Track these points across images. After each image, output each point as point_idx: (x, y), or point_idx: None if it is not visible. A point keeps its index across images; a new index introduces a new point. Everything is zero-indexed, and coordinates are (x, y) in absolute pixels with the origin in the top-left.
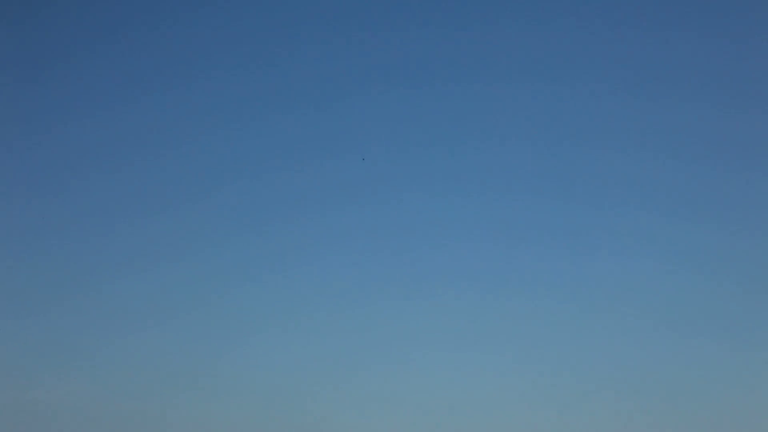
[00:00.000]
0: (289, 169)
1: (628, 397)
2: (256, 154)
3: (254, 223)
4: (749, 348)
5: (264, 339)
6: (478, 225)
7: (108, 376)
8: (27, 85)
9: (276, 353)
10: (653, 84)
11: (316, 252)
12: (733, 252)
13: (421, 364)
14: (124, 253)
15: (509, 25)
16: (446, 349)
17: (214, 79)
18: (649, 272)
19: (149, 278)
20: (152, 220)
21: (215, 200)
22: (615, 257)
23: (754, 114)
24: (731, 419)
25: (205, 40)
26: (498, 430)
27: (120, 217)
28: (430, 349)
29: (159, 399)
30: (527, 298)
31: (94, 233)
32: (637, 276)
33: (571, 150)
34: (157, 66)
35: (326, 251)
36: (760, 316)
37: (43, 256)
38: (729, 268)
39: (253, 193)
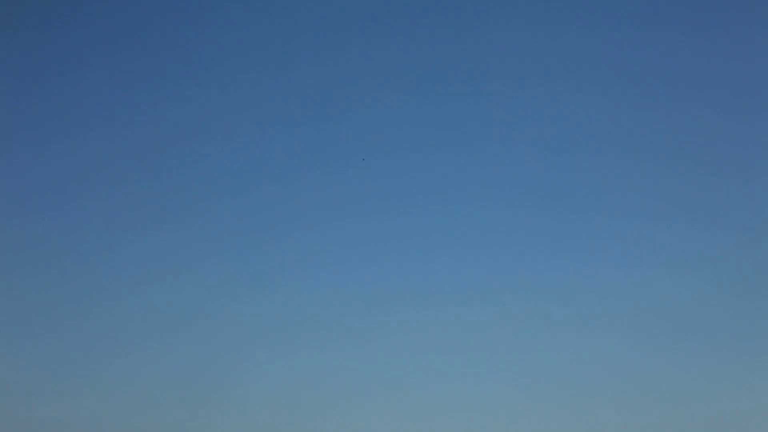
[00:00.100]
0: (294, 180)
1: (628, 404)
2: (262, 165)
3: (259, 236)
4: (746, 353)
5: (271, 352)
6: (478, 234)
7: (118, 392)
8: (29, 96)
9: (283, 366)
10: (652, 90)
11: (321, 263)
12: (729, 257)
13: (426, 374)
14: (130, 269)
15: (509, 31)
16: (448, 359)
17: (217, 90)
18: (648, 279)
19: (156, 294)
20: (158, 235)
21: (221, 213)
22: (613, 264)
23: (752, 119)
24: (730, 423)
25: (207, 50)
26: None
27: (126, 232)
28: (435, 359)
29: (168, 415)
30: (531, 306)
31: (101, 249)
32: (636, 283)
33: (571, 157)
34: (160, 76)
35: (330, 262)
36: (757, 321)
37: (50, 274)
38: (726, 273)
39: (258, 205)
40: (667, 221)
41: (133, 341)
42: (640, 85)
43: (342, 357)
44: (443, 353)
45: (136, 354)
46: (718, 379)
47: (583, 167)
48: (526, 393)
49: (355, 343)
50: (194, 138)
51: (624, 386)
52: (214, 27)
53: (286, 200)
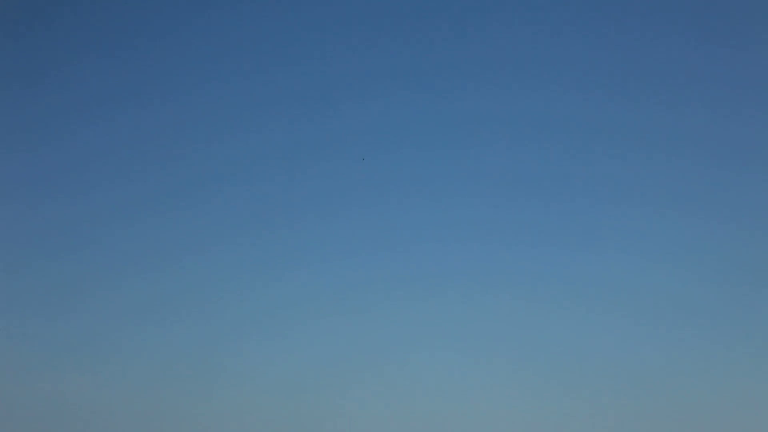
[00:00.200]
0: (294, 171)
1: (625, 390)
2: (261, 156)
3: (262, 224)
4: (740, 340)
5: (272, 336)
6: (477, 225)
7: (124, 371)
8: (29, 89)
9: (283, 351)
10: (649, 85)
11: (320, 252)
12: (726, 249)
13: (423, 361)
14: (135, 254)
15: (505, 31)
16: (448, 347)
17: (216, 85)
18: (645, 269)
19: (165, 277)
20: (164, 221)
21: (222, 201)
22: (611, 255)
23: (748, 114)
24: (726, 411)
25: (206, 47)
26: (499, 422)
27: (130, 219)
28: (432, 347)
29: (172, 394)
30: (528, 295)
31: (106, 234)
32: (633, 273)
33: (569, 150)
34: (162, 71)
35: (330, 251)
36: (751, 310)
37: (60, 258)
38: (722, 264)
39: (261, 194)
40: (663, 213)
41: (142, 324)
42: (638, 81)
43: (343, 344)
44: (443, 341)
45: (144, 335)
46: (712, 366)
47: (581, 161)
48: (523, 379)
49: (357, 330)
50: (196, 132)
51: (621, 372)
52: (219, 24)
53: (288, 192)
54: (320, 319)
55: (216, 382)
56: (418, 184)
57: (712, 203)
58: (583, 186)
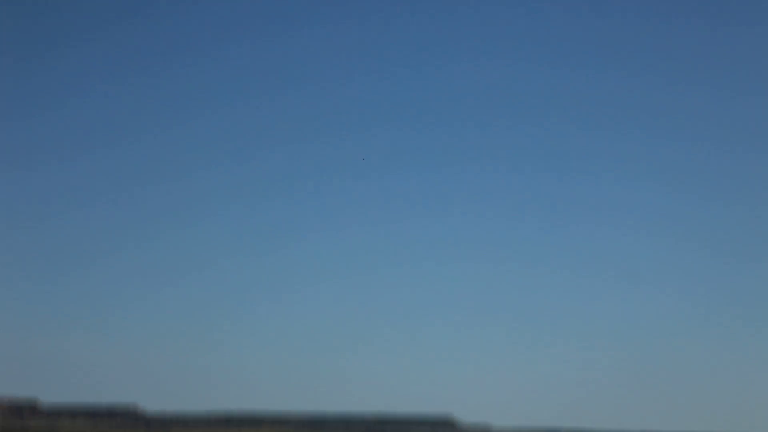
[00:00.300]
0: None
1: (617, 348)
2: (282, 125)
3: (276, 193)
4: (724, 305)
5: (283, 297)
6: (483, 197)
7: (133, 329)
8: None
9: (288, 310)
10: (650, 68)
11: (340, 216)
12: (712, 218)
13: (434, 321)
14: (150, 216)
15: (502, 63)
16: (454, 308)
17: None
18: (635, 238)
19: (173, 237)
20: (175, 185)
21: (233, 169)
22: (601, 225)
23: (736, 87)
24: (708, 366)
25: (223, 70)
26: (498, 375)
27: (139, 184)
28: (443, 308)
29: (180, 350)
30: (523, 262)
31: (116, 197)
32: (623, 242)
33: (564, 129)
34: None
35: (347, 217)
36: (738, 278)
37: (67, 220)
38: (707, 232)
39: (274, 166)
40: (653, 188)
41: (154, 282)
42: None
43: (354, 305)
44: (451, 303)
45: (156, 294)
46: (697, 325)
47: (575, 137)
48: (522, 336)
49: (365, 294)
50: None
51: (612, 331)
52: (230, 49)
53: (304, 164)
54: (325, 281)
55: (222, 339)
56: (429, 157)
57: (698, 178)
58: (579, 163)
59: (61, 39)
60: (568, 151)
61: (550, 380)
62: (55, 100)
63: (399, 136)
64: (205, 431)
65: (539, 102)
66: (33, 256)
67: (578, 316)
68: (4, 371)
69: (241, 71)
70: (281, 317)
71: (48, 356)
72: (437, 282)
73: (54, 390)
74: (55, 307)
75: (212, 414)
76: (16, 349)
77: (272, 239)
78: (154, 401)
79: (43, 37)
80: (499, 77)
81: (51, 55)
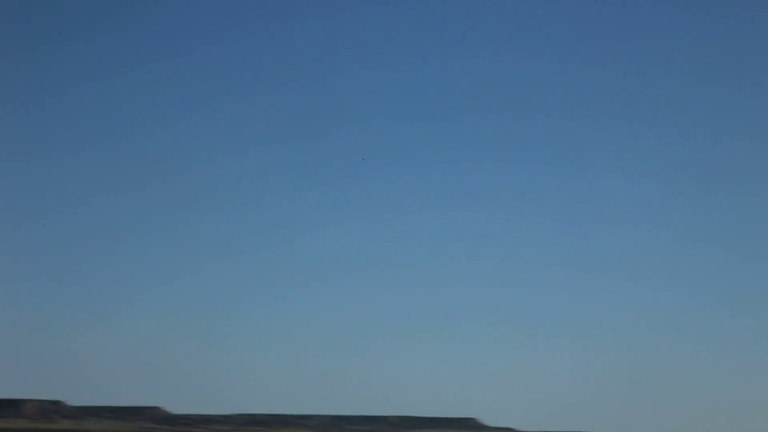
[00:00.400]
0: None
1: (618, 345)
2: (285, 118)
3: (283, 188)
4: (725, 299)
5: (281, 293)
6: (488, 194)
7: (131, 328)
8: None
9: (291, 308)
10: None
11: (350, 211)
12: (713, 214)
13: (441, 319)
14: (146, 213)
15: (503, 57)
16: (460, 306)
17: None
18: (635, 234)
19: (179, 235)
20: (180, 179)
21: (238, 163)
22: (603, 222)
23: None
24: (707, 360)
25: (221, 68)
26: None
27: (146, 176)
28: (449, 306)
29: (180, 349)
30: (531, 261)
31: (122, 192)
32: (625, 240)
33: (566, 124)
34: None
35: (357, 213)
36: (738, 273)
37: (74, 219)
38: (706, 228)
39: (281, 160)
40: (658, 184)
41: (154, 281)
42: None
43: (380, 307)
44: (477, 306)
45: (155, 292)
46: (695, 321)
47: (574, 133)
48: (546, 342)
49: (391, 296)
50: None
51: (612, 329)
52: (228, 47)
53: (311, 157)
54: (328, 279)
55: (226, 336)
56: (435, 155)
57: (701, 174)
58: (581, 158)
59: (59, 34)
60: (572, 147)
61: (573, 384)
62: (54, 95)
63: (399, 131)
64: (229, 431)
65: (541, 96)
66: (52, 255)
67: (603, 322)
68: (31, 372)
69: (240, 66)
70: (305, 319)
71: (72, 358)
72: (463, 285)
73: (79, 391)
74: (75, 308)
75: (236, 415)
76: (42, 351)
77: (291, 237)
78: (178, 403)
79: (41, 33)
80: (500, 71)
81: (48, 51)
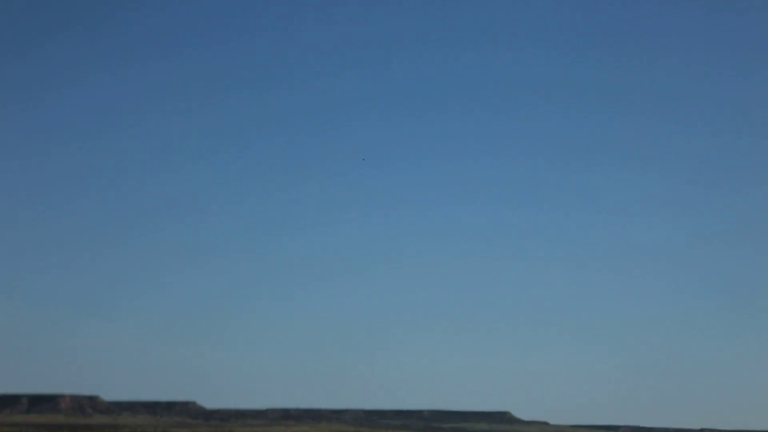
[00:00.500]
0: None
1: (618, 335)
2: (282, 113)
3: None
4: (722, 292)
5: (282, 290)
6: (489, 186)
7: (145, 321)
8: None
9: (292, 304)
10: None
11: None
12: (708, 207)
13: (440, 313)
14: (151, 208)
15: (502, 52)
16: (458, 302)
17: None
18: (634, 225)
19: (181, 230)
20: (180, 174)
21: (237, 158)
22: (603, 214)
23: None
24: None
25: (222, 67)
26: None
27: (147, 171)
28: (447, 302)
29: (191, 343)
30: (528, 252)
31: (124, 187)
32: (624, 228)
33: (562, 114)
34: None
35: (355, 209)
36: (735, 265)
37: (76, 213)
38: (705, 221)
39: (278, 155)
40: (653, 173)
41: (163, 275)
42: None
43: (397, 298)
44: (454, 297)
45: (167, 287)
46: (696, 313)
47: (578, 122)
48: (529, 329)
49: (425, 291)
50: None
51: (614, 321)
52: (230, 44)
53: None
54: (327, 277)
55: (227, 331)
56: (437, 149)
57: (695, 164)
58: (582, 150)
59: (60, 30)
60: (573, 140)
61: (607, 379)
62: (54, 91)
63: (398, 129)
64: (263, 426)
65: (540, 91)
66: (71, 248)
67: (631, 320)
68: (67, 367)
69: (240, 63)
70: (339, 314)
71: (106, 351)
72: (494, 281)
73: (113, 387)
74: (103, 301)
75: (270, 410)
76: (75, 345)
77: (317, 229)
78: (212, 398)
79: (41, 28)
80: (505, 67)
81: (49, 46)
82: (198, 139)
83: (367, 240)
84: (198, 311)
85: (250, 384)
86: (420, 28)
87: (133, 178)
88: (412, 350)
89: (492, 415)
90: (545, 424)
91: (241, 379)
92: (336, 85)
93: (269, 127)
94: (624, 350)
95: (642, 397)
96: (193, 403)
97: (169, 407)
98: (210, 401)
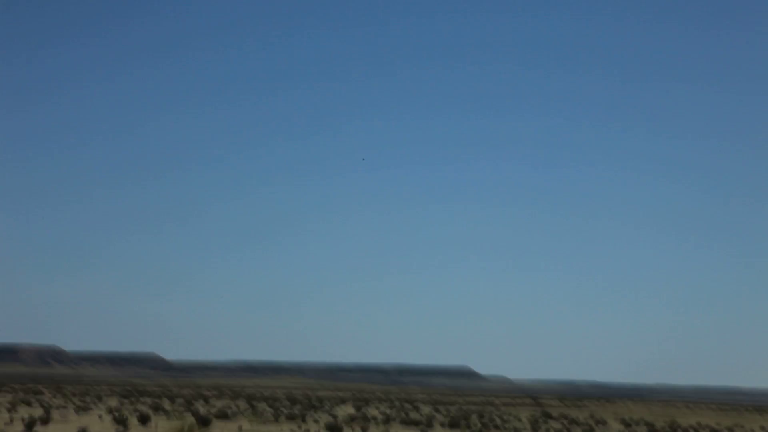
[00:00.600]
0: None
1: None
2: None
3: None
4: (732, 246)
5: (251, 246)
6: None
7: (116, 274)
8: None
9: (265, 261)
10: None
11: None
12: (721, 167)
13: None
14: (122, 164)
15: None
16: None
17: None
18: (643, 184)
19: (155, 187)
20: (162, 129)
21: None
22: (610, 173)
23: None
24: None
25: (226, 69)
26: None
27: (127, 123)
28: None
29: (151, 297)
30: (544, 209)
31: (103, 140)
32: (630, 188)
33: (574, 77)
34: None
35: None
36: (740, 220)
37: (55, 164)
38: (716, 180)
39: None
40: (655, 133)
41: (136, 229)
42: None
43: (375, 257)
44: (473, 250)
45: (137, 240)
46: (707, 265)
47: (576, 83)
48: (539, 290)
49: (386, 244)
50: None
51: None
52: (235, 47)
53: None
54: (296, 231)
55: (195, 286)
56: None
57: (711, 125)
58: (586, 113)
59: (67, 33)
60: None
61: (567, 334)
62: (59, 93)
63: (397, 129)
64: (226, 378)
65: (543, 100)
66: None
67: (607, 265)
68: (28, 318)
69: (241, 66)
70: (299, 268)
71: (68, 304)
72: (456, 225)
73: (76, 337)
74: (68, 252)
75: (232, 362)
76: (37, 297)
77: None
78: (173, 350)
79: (47, 31)
80: (511, 77)
81: (57, 48)
82: (165, 98)
83: (338, 193)
84: (163, 266)
85: (210, 336)
86: (424, 35)
87: (110, 136)
88: (375, 305)
89: (454, 370)
90: (505, 378)
91: (202, 332)
92: (336, 91)
93: (270, 131)
94: (598, 303)
95: (602, 353)
96: (155, 355)
97: (131, 358)
98: (171, 353)
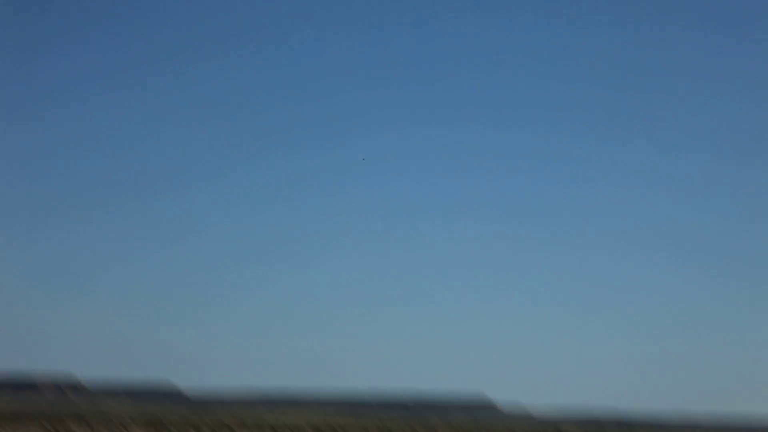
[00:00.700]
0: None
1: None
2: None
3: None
4: (735, 271)
5: (263, 269)
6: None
7: (119, 300)
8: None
9: (274, 285)
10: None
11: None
12: (721, 182)
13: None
14: (132, 182)
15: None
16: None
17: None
18: (640, 199)
19: (160, 207)
20: (163, 147)
21: (222, 132)
22: (611, 187)
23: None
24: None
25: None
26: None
27: (130, 144)
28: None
29: (163, 323)
30: (539, 227)
31: (106, 160)
32: (630, 203)
33: (574, 89)
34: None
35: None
36: (742, 241)
37: (55, 183)
38: (717, 197)
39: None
40: (657, 149)
41: (139, 254)
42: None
43: (347, 279)
44: (461, 265)
45: (141, 266)
46: (704, 288)
47: (581, 95)
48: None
49: (403, 276)
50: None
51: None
52: (231, 59)
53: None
54: (314, 254)
55: (208, 311)
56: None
57: (712, 140)
58: (585, 124)
59: (70, 41)
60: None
61: (588, 363)
62: (63, 103)
63: (399, 137)
64: (245, 411)
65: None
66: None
67: (621, 296)
68: (40, 347)
69: (244, 75)
70: (316, 298)
71: (78, 330)
72: (457, 249)
73: (90, 365)
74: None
75: (249, 392)
76: (50, 326)
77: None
78: (187, 377)
79: (50, 38)
80: (514, 85)
81: (61, 57)
82: (165, 111)
83: (350, 218)
84: (177, 291)
85: (224, 363)
86: (426, 43)
87: (112, 153)
88: (395, 333)
89: (472, 402)
90: (524, 407)
91: (216, 358)
92: (339, 101)
93: (274, 141)
94: (617, 333)
95: (631, 382)
96: (170, 384)
97: (148, 391)
98: (185, 380)
